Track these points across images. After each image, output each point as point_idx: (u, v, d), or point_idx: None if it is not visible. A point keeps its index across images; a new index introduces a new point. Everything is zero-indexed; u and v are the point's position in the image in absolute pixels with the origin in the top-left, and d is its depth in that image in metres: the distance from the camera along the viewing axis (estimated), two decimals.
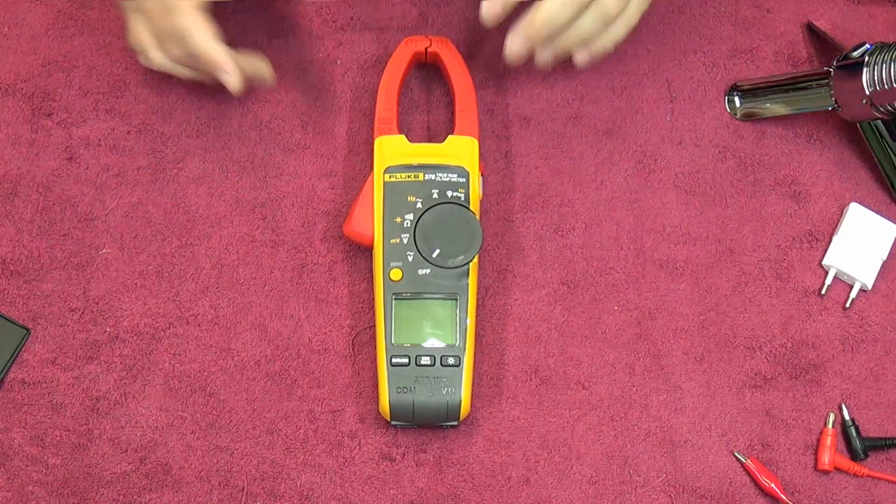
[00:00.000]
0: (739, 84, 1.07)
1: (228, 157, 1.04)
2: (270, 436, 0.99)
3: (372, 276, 1.00)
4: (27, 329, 0.99)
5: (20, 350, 0.99)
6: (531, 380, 1.01)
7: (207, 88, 1.05)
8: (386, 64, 1.04)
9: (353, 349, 1.00)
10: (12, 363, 0.99)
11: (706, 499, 0.99)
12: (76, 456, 0.98)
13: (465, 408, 0.96)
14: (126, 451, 0.98)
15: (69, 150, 1.03)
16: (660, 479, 0.99)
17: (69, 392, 0.99)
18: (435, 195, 0.98)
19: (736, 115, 1.07)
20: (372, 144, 1.01)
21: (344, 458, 0.99)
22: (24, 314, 1.00)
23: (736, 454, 1.00)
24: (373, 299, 0.99)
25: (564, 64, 1.07)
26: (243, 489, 0.98)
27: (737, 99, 1.07)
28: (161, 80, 1.05)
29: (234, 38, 1.06)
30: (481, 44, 1.07)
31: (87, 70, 1.05)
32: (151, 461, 0.98)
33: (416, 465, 0.99)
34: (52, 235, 1.01)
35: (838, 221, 1.05)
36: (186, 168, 1.03)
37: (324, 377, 1.00)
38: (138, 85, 1.05)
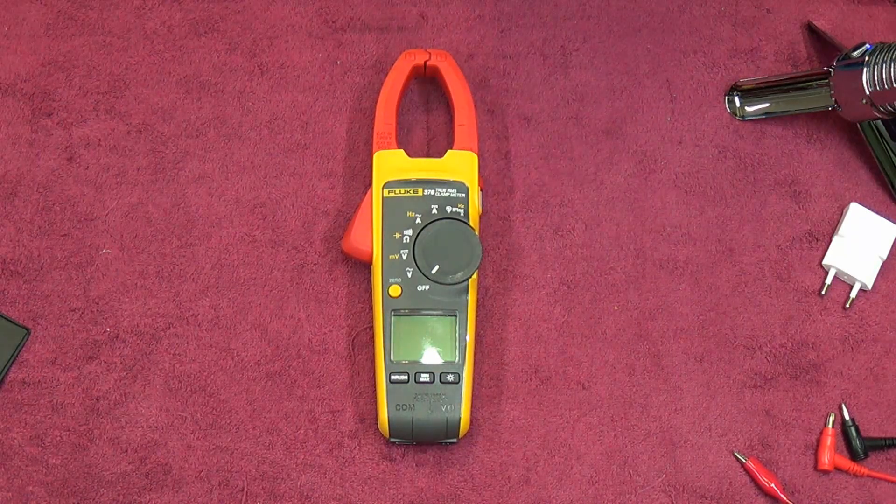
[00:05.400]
0: (739, 84, 1.07)
1: (228, 157, 1.04)
2: (270, 436, 0.99)
3: (370, 291, 1.00)
4: (27, 329, 0.99)
5: (20, 350, 0.99)
6: (531, 380, 1.01)
7: (208, 88, 1.05)
8: (385, 68, 1.04)
9: (352, 349, 1.00)
10: (12, 363, 0.99)
11: (706, 499, 0.99)
12: (76, 456, 0.98)
13: (464, 425, 0.96)
14: (126, 451, 0.98)
15: (69, 150, 1.03)
16: (660, 479, 0.99)
17: (69, 392, 0.99)
18: (434, 210, 0.98)
19: (736, 115, 1.07)
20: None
21: (344, 458, 0.98)
22: (24, 314, 1.00)
23: (736, 454, 1.00)
24: (371, 315, 0.99)
25: (564, 64, 1.07)
26: (243, 489, 0.98)
27: (737, 99, 1.07)
28: (161, 79, 1.05)
29: (234, 39, 1.06)
30: (482, 43, 1.07)
31: (87, 70, 1.05)
32: (151, 461, 0.98)
33: (416, 466, 0.99)
34: (52, 235, 1.01)
35: (838, 221, 1.05)
36: (186, 168, 1.03)
37: (324, 377, 1.00)
38: (138, 85, 1.05)
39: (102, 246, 1.02)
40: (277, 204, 1.03)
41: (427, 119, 1.05)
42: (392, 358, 0.96)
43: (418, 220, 0.98)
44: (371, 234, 0.98)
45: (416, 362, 0.96)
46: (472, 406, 0.99)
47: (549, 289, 1.02)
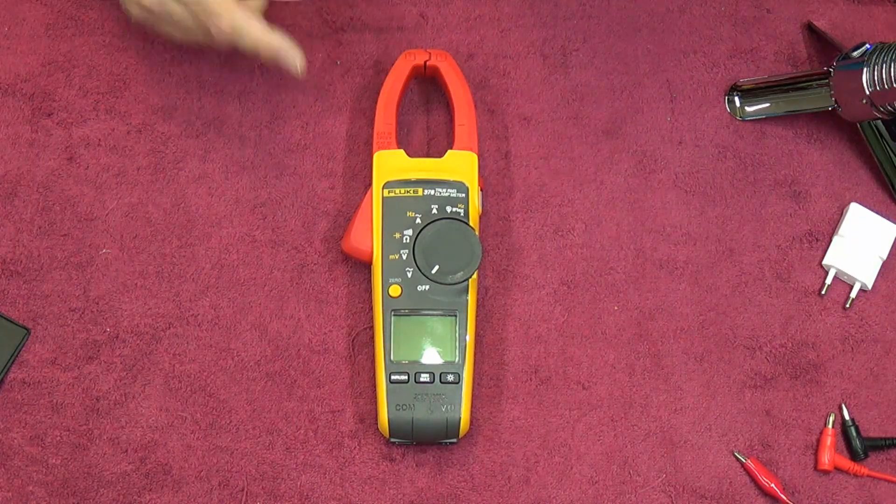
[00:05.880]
0: (739, 84, 1.07)
1: (228, 157, 1.04)
2: (270, 436, 0.99)
3: (370, 291, 1.00)
4: (27, 329, 0.99)
5: (20, 350, 0.99)
6: (531, 380, 1.01)
7: (208, 88, 1.05)
8: (385, 68, 1.04)
9: (352, 349, 1.00)
10: (12, 363, 0.99)
11: (706, 499, 0.99)
12: (76, 456, 0.98)
13: (464, 425, 0.96)
14: (126, 451, 0.98)
15: (69, 150, 1.03)
16: (660, 479, 0.99)
17: (69, 392, 0.99)
18: (434, 210, 0.98)
19: (736, 115, 1.07)
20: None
21: (344, 458, 0.98)
22: (24, 314, 1.00)
23: (736, 454, 1.00)
24: (371, 315, 0.99)
25: (564, 64, 1.07)
26: (243, 489, 0.98)
27: (737, 99, 1.07)
28: (161, 79, 1.05)
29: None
30: (482, 43, 1.07)
31: (87, 70, 1.05)
32: (151, 461, 0.98)
33: (416, 466, 0.99)
34: (52, 235, 1.01)
35: (838, 221, 1.05)
36: (186, 168, 1.03)
37: (324, 377, 1.00)
38: (138, 85, 1.05)
39: (102, 246, 1.02)
40: (277, 204, 1.03)
41: (427, 119, 1.05)
42: (392, 358, 0.96)
43: (418, 220, 0.98)
44: (371, 234, 0.98)
45: (416, 362, 0.96)
46: (472, 406, 0.99)
47: (549, 289, 1.02)
